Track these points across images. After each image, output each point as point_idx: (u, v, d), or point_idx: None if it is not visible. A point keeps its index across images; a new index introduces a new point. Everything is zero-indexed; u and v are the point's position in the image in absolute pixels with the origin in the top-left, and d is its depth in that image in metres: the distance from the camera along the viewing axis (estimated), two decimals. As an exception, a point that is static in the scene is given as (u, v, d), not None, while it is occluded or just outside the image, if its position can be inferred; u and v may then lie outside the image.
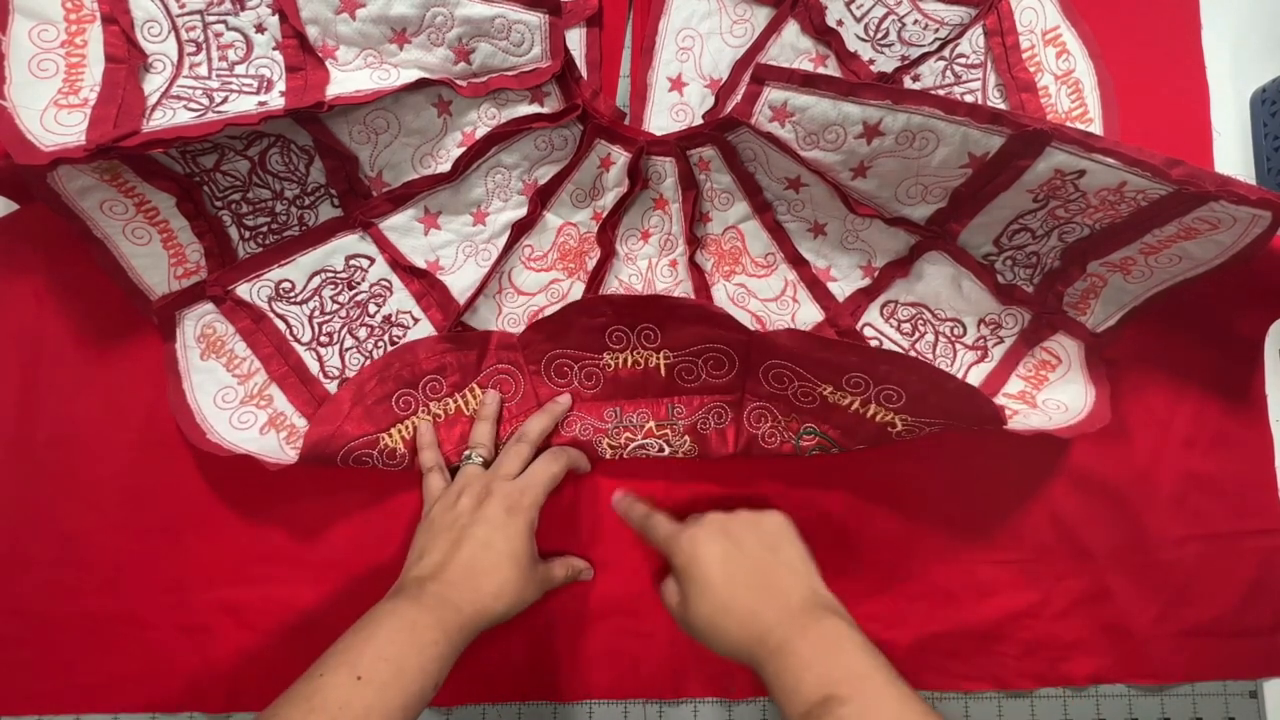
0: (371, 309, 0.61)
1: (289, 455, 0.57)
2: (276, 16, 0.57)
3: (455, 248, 0.62)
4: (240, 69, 0.58)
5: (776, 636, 0.48)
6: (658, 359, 0.59)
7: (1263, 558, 0.62)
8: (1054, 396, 0.61)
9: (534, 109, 0.60)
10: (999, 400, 0.61)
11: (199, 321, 0.59)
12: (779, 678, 0.47)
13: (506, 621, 0.53)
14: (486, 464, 0.58)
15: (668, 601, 0.55)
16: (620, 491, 0.61)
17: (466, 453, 0.58)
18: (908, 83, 0.64)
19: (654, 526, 0.56)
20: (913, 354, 0.63)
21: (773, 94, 0.55)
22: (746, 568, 0.51)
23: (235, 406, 0.59)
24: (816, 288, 0.63)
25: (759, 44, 0.64)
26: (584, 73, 0.62)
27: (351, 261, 0.61)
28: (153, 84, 0.56)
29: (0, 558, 0.59)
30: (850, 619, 0.50)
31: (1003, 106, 0.64)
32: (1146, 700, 0.62)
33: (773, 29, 0.64)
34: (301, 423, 0.59)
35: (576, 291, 0.63)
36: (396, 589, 0.52)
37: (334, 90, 0.56)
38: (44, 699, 0.59)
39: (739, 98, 0.58)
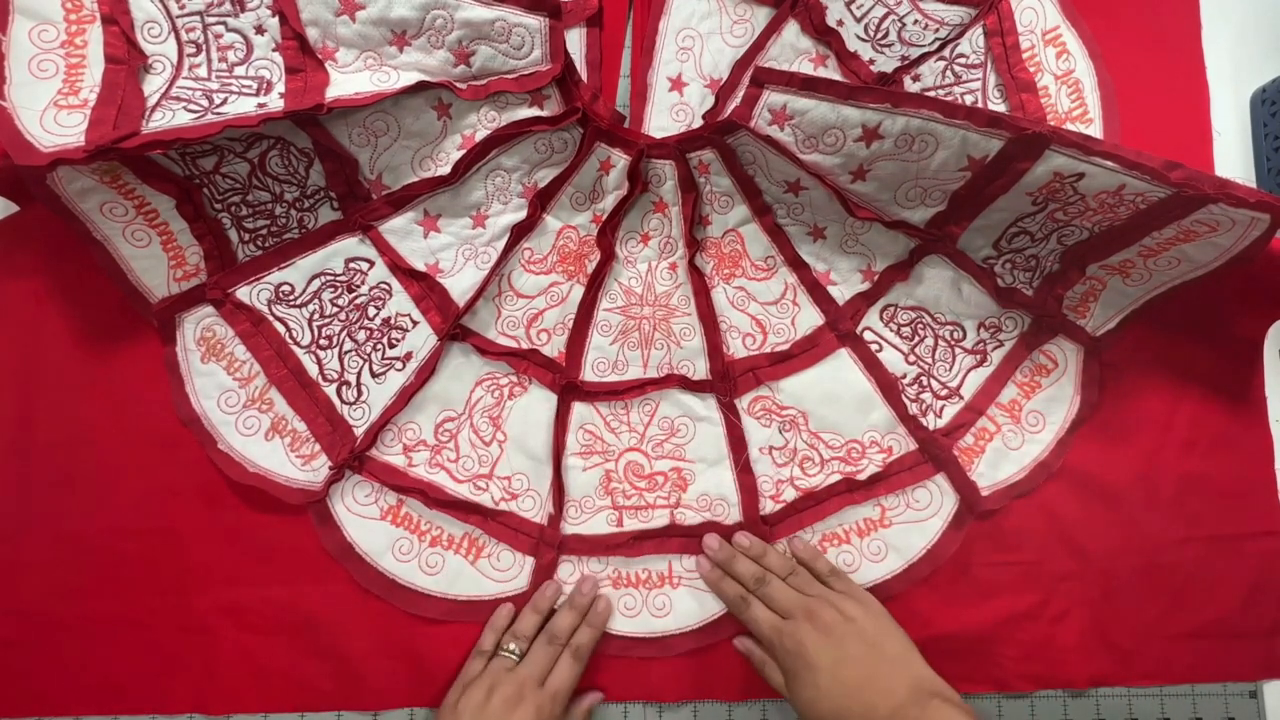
0: (371, 312, 0.61)
1: (294, 464, 0.59)
2: (276, 18, 0.57)
3: (455, 250, 0.62)
4: (240, 70, 0.58)
5: None
6: None
7: (1262, 559, 0.62)
8: (1036, 408, 0.62)
9: (534, 112, 0.59)
10: (991, 412, 0.62)
11: (199, 324, 0.59)
12: None
13: None
14: (521, 654, 0.58)
15: (774, 682, 0.56)
16: (707, 563, 0.61)
17: (506, 645, 0.58)
18: (908, 83, 0.64)
19: (755, 618, 0.57)
20: (912, 357, 0.63)
21: (772, 97, 0.55)
22: (854, 671, 0.53)
23: (239, 410, 0.59)
24: (816, 291, 0.63)
25: (759, 44, 0.64)
26: (584, 73, 0.62)
27: (351, 264, 0.61)
28: (152, 85, 0.56)
29: (1, 559, 0.59)
30: (957, 698, 0.53)
31: (1003, 107, 0.64)
32: (1146, 700, 0.62)
33: (773, 29, 0.64)
34: (301, 426, 0.60)
35: (576, 294, 0.63)
36: None
37: (333, 92, 0.56)
38: (45, 701, 0.59)
39: (738, 100, 0.57)
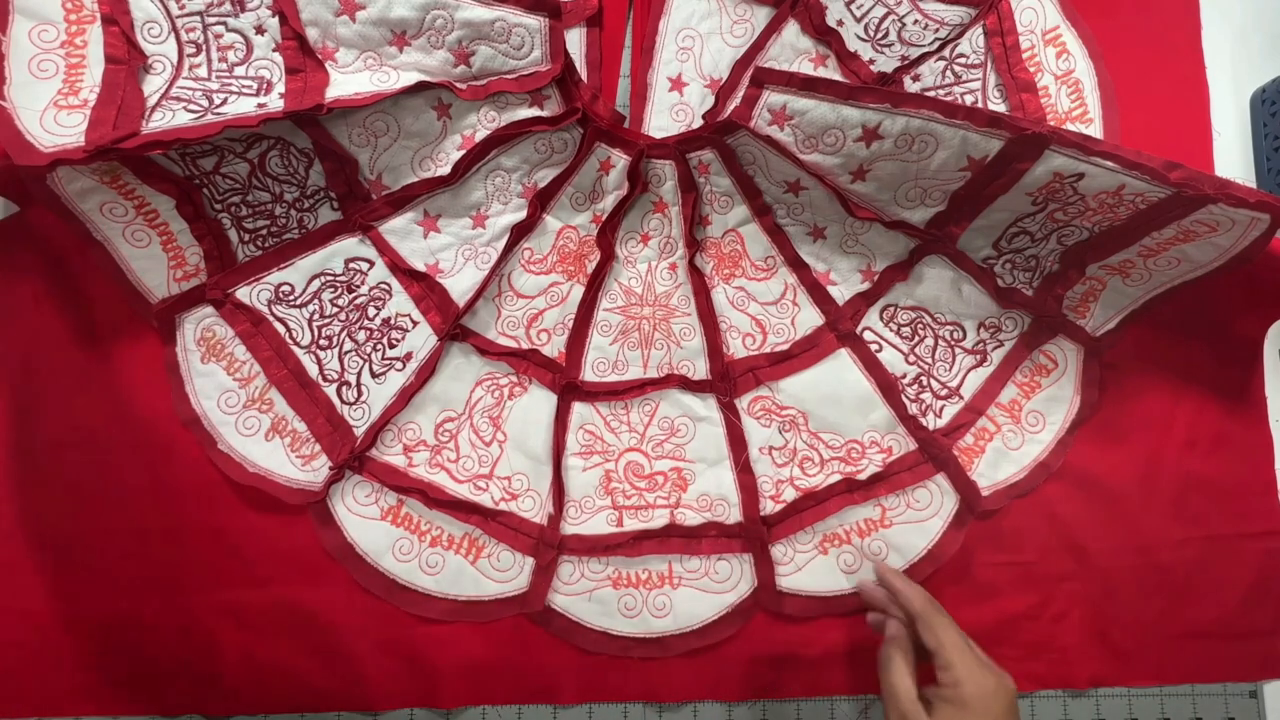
0: (371, 312, 0.61)
1: (294, 464, 0.59)
2: (276, 18, 0.57)
3: (455, 250, 0.62)
4: (240, 70, 0.58)
5: None
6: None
7: (1263, 559, 0.62)
8: (1036, 408, 0.62)
9: (533, 112, 0.59)
10: (991, 412, 0.62)
11: (199, 325, 0.59)
12: None
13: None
14: None
15: (893, 681, 0.51)
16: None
17: None
18: (908, 83, 0.64)
19: (949, 619, 0.53)
20: (912, 357, 0.63)
21: (772, 97, 0.55)
22: None
23: (239, 410, 0.59)
24: (816, 291, 0.63)
25: (759, 44, 0.64)
26: (584, 72, 0.62)
27: (351, 265, 0.61)
28: (152, 85, 0.56)
29: (1, 560, 0.59)
30: None
31: (1003, 107, 0.64)
32: (1146, 700, 0.62)
33: (773, 29, 0.64)
34: (302, 427, 0.60)
35: (576, 294, 0.63)
36: None
37: (333, 93, 0.56)
38: (44, 702, 0.59)
39: (738, 100, 0.57)
